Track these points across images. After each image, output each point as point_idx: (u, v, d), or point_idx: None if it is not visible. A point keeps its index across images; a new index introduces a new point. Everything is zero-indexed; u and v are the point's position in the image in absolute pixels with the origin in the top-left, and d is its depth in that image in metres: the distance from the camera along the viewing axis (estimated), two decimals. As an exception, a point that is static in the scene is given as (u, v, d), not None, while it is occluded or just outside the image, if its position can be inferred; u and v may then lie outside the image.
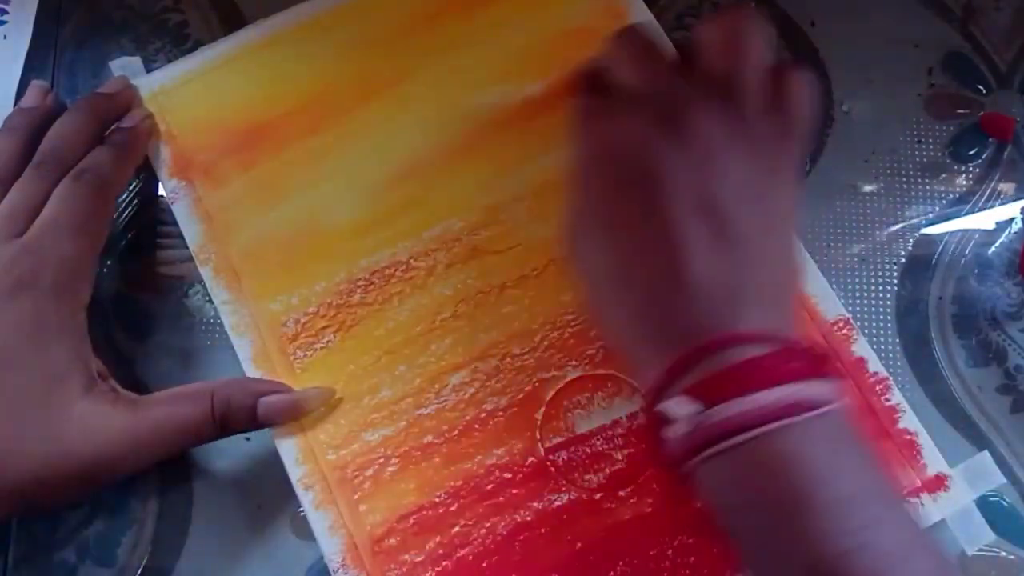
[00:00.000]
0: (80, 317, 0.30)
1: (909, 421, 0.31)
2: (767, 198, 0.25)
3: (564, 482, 0.31)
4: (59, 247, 0.30)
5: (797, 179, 0.26)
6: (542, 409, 0.32)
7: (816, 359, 0.24)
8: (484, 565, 0.30)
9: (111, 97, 0.34)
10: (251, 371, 0.32)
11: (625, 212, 0.25)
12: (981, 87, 0.37)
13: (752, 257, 0.24)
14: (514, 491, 0.31)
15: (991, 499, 0.32)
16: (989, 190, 0.36)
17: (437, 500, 0.31)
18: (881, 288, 0.35)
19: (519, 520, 0.31)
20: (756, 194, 0.25)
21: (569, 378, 0.32)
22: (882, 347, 0.34)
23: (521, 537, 0.31)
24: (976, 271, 0.35)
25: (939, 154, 0.36)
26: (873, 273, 0.35)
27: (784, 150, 0.26)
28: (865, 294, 0.35)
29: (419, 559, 0.30)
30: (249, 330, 0.33)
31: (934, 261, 0.35)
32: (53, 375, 0.28)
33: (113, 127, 0.34)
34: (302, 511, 0.31)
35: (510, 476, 0.31)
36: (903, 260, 0.35)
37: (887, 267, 0.35)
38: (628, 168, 0.25)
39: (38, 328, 0.28)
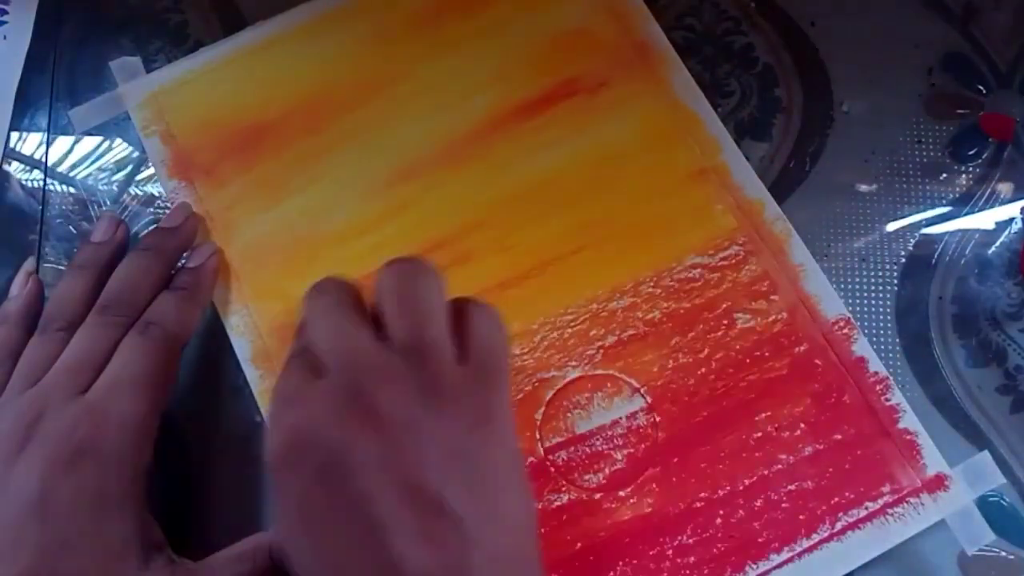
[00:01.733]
0: (141, 483, 0.28)
1: (909, 421, 0.31)
2: (479, 461, 0.23)
3: (564, 482, 0.31)
4: (123, 409, 0.28)
5: (508, 420, 0.25)
6: (542, 409, 0.32)
7: None
8: (484, 565, 0.30)
9: (176, 232, 0.33)
10: (251, 371, 0.32)
11: (327, 506, 0.23)
12: (981, 87, 0.37)
13: (476, 538, 0.22)
14: (514, 491, 0.31)
15: (991, 499, 0.32)
16: (989, 190, 0.36)
17: (437, 500, 0.31)
18: (881, 288, 0.35)
19: (519, 520, 0.31)
20: (465, 462, 0.23)
21: (569, 378, 0.32)
22: (882, 347, 0.34)
23: (521, 537, 0.31)
24: (976, 271, 0.35)
25: (939, 154, 0.36)
26: (873, 273, 0.35)
27: (484, 396, 0.24)
28: (865, 294, 0.35)
29: (419, 559, 0.30)
30: (249, 330, 0.33)
31: (934, 261, 0.35)
32: (112, 552, 0.26)
33: (180, 266, 0.32)
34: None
35: (510, 476, 0.31)
36: (903, 260, 0.35)
37: (887, 267, 0.35)
38: (320, 459, 0.23)
39: (99, 500, 0.26)
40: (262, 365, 0.32)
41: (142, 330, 0.29)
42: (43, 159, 0.37)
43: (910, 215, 0.36)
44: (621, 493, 0.31)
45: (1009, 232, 0.35)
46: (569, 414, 0.32)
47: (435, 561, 0.22)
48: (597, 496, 0.31)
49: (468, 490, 0.23)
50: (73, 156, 0.37)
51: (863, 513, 0.30)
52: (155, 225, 0.32)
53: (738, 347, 0.32)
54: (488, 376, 0.25)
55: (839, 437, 0.31)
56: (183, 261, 0.33)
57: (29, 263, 0.33)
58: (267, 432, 0.25)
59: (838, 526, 0.30)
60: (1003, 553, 0.31)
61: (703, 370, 0.32)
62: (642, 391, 0.32)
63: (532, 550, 0.24)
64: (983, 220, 0.36)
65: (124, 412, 0.28)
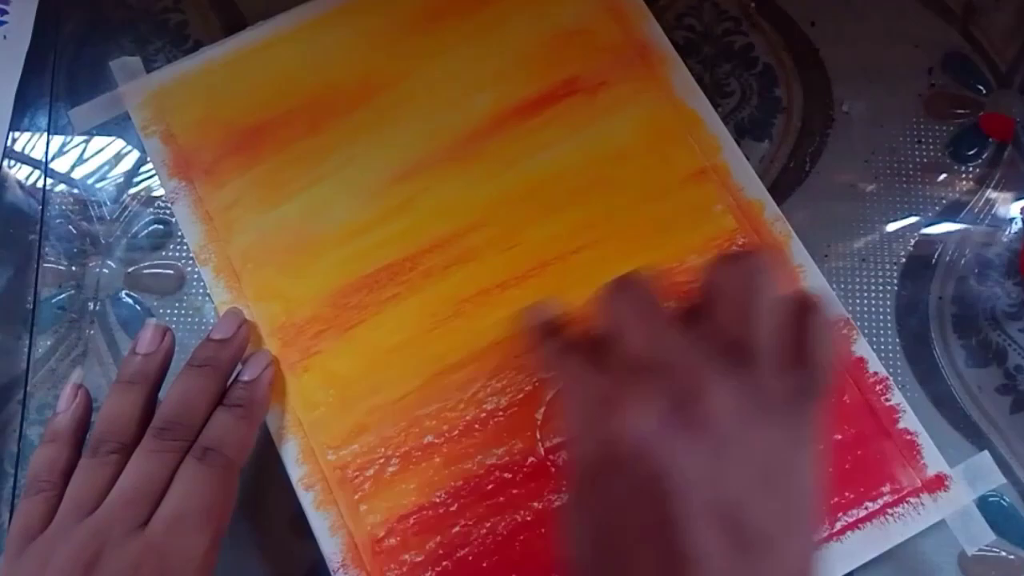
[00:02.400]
0: None
1: (909, 421, 0.31)
2: (788, 483, 0.23)
3: (564, 482, 0.31)
4: (186, 545, 0.27)
5: (818, 443, 0.24)
6: (542, 409, 0.32)
7: None
8: (484, 565, 0.30)
9: (229, 344, 0.31)
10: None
11: (635, 524, 0.22)
12: (981, 87, 0.37)
13: (773, 562, 0.21)
14: (514, 491, 0.31)
15: (991, 499, 0.32)
16: (989, 190, 0.36)
17: (437, 500, 0.31)
18: (881, 288, 0.35)
19: (519, 520, 0.31)
20: (776, 482, 0.22)
21: (569, 378, 0.32)
22: (882, 347, 0.34)
23: (521, 537, 0.31)
24: (976, 271, 0.35)
25: (939, 154, 0.36)
26: (873, 273, 0.35)
27: (805, 413, 0.23)
28: (865, 294, 0.35)
29: (419, 559, 0.30)
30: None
31: (934, 261, 0.35)
32: None
33: (234, 379, 0.31)
34: (302, 511, 0.31)
35: (510, 476, 0.31)
36: (903, 260, 0.35)
37: (887, 267, 0.35)
38: (642, 474, 0.22)
39: None
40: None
41: (200, 456, 0.28)
42: (43, 159, 0.37)
43: (910, 215, 0.36)
44: (621, 493, 0.31)
45: (1009, 232, 0.35)
46: (569, 414, 0.32)
47: None
48: (597, 496, 0.31)
49: (774, 516, 0.22)
50: (73, 156, 0.37)
51: (863, 513, 0.30)
52: (207, 336, 0.31)
53: (738, 347, 0.32)
54: (811, 391, 0.23)
55: (839, 437, 0.31)
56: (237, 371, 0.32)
57: (76, 375, 0.31)
58: (571, 437, 0.24)
59: (838, 526, 0.30)
60: (1003, 553, 0.32)
61: (703, 370, 0.32)
62: None
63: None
64: (983, 220, 0.36)
65: (186, 549, 0.27)
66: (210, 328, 0.32)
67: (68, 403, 0.30)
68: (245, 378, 0.31)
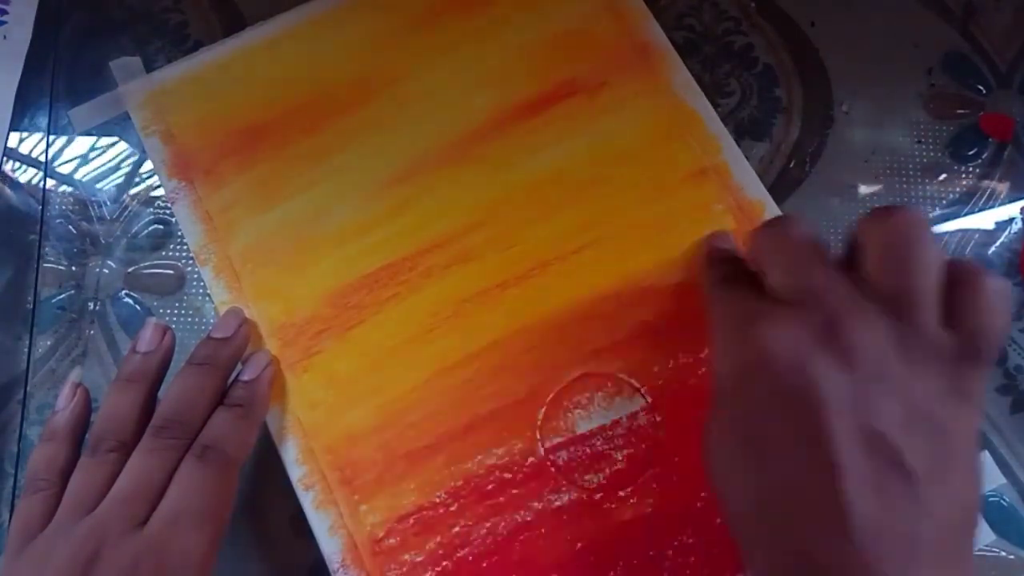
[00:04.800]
0: None
1: (909, 421, 0.31)
2: (946, 427, 0.22)
3: (564, 482, 0.31)
4: (185, 544, 0.27)
5: (982, 402, 0.24)
6: (542, 409, 0.32)
7: None
8: (484, 565, 0.30)
9: (229, 343, 0.31)
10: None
11: (778, 433, 0.23)
12: (981, 87, 0.37)
13: (927, 501, 0.21)
14: (514, 491, 0.31)
15: (991, 499, 0.32)
16: (989, 190, 0.36)
17: (437, 500, 0.31)
18: (881, 288, 0.35)
19: (519, 520, 0.31)
20: (933, 423, 0.22)
21: (569, 378, 0.32)
22: (882, 347, 0.34)
23: (521, 537, 0.31)
24: (976, 271, 0.35)
25: (939, 154, 0.36)
26: (873, 273, 0.35)
27: (967, 368, 0.23)
28: (865, 294, 0.34)
29: (419, 559, 0.30)
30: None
31: (934, 261, 0.35)
32: None
33: (234, 379, 0.31)
34: (302, 511, 0.31)
35: (510, 476, 0.31)
36: (903, 260, 0.35)
37: (887, 267, 0.35)
38: (785, 383, 0.22)
39: None
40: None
41: (200, 454, 0.28)
42: (43, 159, 0.37)
43: (910, 215, 0.35)
44: (621, 493, 0.31)
45: (1009, 232, 0.35)
46: (570, 414, 0.32)
47: (883, 513, 0.21)
48: (598, 496, 0.31)
49: (929, 454, 0.22)
50: (73, 156, 0.37)
51: (863, 513, 0.30)
52: (207, 335, 0.31)
53: (738, 347, 0.32)
54: (976, 351, 0.23)
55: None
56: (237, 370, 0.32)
57: (75, 374, 0.31)
58: (718, 351, 0.24)
59: (838, 526, 0.30)
60: (1003, 553, 0.32)
61: (703, 370, 0.32)
62: (642, 391, 0.32)
63: (970, 536, 0.23)
64: (983, 220, 0.36)
65: (186, 547, 0.27)
66: (210, 328, 0.32)
67: (67, 401, 0.30)
68: (245, 378, 0.31)
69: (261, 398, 0.31)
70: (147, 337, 0.31)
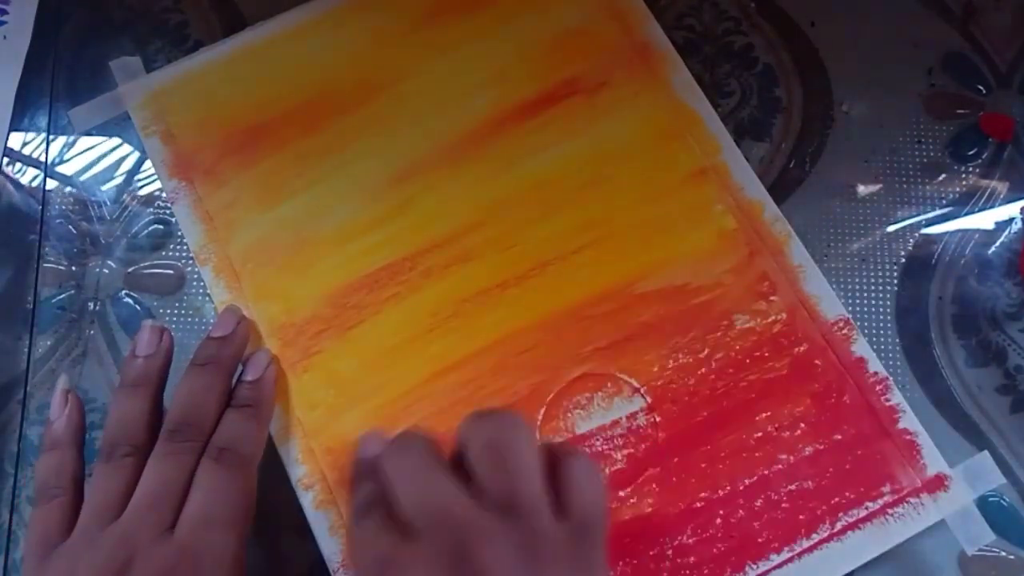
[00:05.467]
0: None
1: (909, 421, 0.31)
2: None
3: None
4: (216, 545, 0.27)
5: (605, 565, 0.25)
6: (542, 409, 0.32)
7: None
8: (484, 565, 0.30)
9: (229, 341, 0.31)
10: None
11: None
12: (981, 87, 0.37)
13: None
14: (514, 491, 0.31)
15: (991, 499, 0.32)
16: (989, 190, 0.36)
17: (437, 500, 0.31)
18: (881, 288, 0.35)
19: (519, 520, 0.31)
20: None
21: (569, 378, 0.32)
22: (882, 347, 0.34)
23: (521, 537, 0.31)
24: (976, 271, 0.35)
25: (939, 154, 0.36)
26: (873, 273, 0.35)
27: (585, 551, 0.24)
28: (865, 294, 0.35)
29: (419, 559, 0.30)
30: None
31: (934, 261, 0.35)
32: None
33: (238, 380, 0.31)
34: (302, 511, 0.31)
35: (510, 476, 0.31)
36: (903, 260, 0.35)
37: (887, 267, 0.35)
38: None
39: None
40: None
41: (216, 456, 0.28)
42: (43, 159, 0.37)
43: (910, 215, 0.36)
44: (621, 493, 0.31)
45: (1009, 232, 0.35)
46: (569, 414, 0.32)
47: None
48: (597, 496, 0.31)
49: None
50: (73, 156, 0.37)
51: (863, 513, 0.30)
52: (207, 335, 0.31)
53: (738, 347, 0.32)
54: (588, 531, 0.24)
55: (839, 437, 0.31)
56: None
57: (63, 381, 0.31)
58: None
59: (838, 526, 0.30)
60: (1003, 553, 0.32)
61: (703, 370, 0.32)
62: (642, 391, 0.32)
63: None
64: (983, 220, 0.36)
65: (217, 548, 0.27)
66: (210, 328, 0.32)
67: (60, 409, 0.30)
68: (249, 378, 0.31)
69: (267, 397, 0.31)
70: (145, 340, 0.31)
